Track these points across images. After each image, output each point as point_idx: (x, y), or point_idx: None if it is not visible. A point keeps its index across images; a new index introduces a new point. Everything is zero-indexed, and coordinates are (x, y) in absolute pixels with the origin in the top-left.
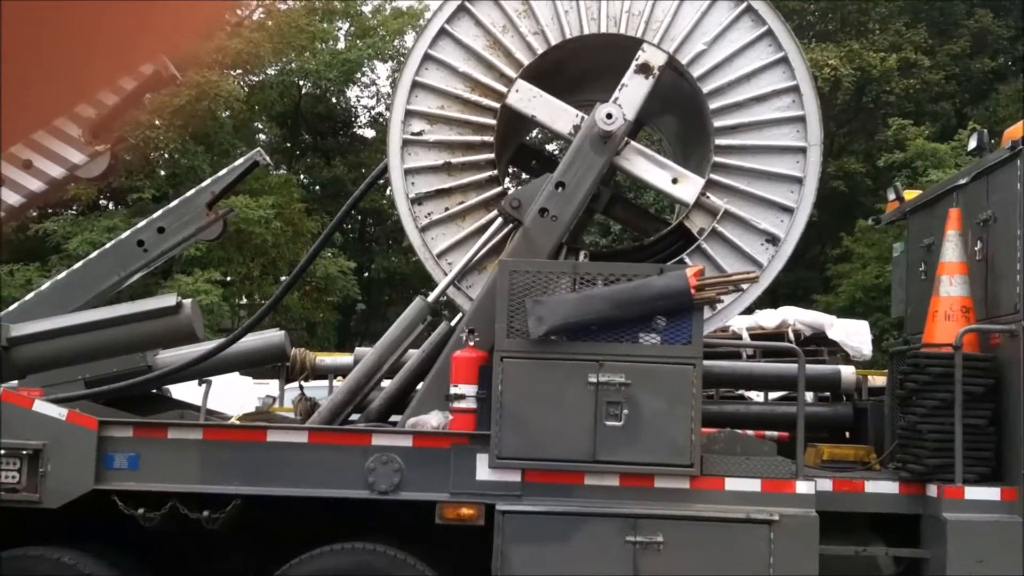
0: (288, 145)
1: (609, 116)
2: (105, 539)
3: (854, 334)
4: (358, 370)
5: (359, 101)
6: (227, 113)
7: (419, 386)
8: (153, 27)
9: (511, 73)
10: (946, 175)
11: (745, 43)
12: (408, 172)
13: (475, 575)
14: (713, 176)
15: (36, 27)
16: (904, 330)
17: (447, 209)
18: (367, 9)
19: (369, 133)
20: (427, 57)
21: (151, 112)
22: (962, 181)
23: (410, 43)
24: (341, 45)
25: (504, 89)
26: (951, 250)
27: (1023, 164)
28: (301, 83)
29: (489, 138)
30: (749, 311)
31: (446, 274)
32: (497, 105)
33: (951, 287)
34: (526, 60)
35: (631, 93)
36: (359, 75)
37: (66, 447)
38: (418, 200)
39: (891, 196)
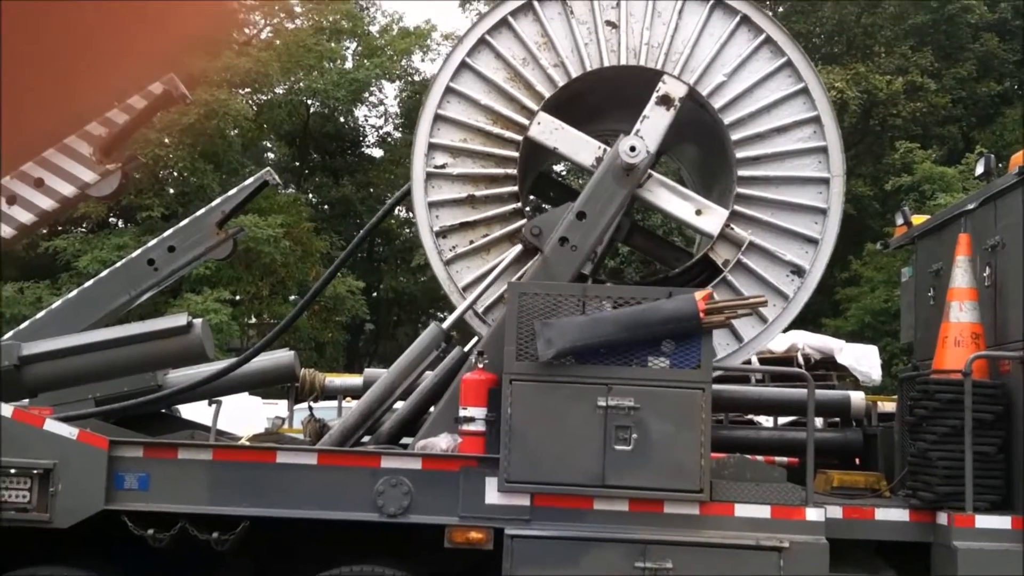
0: (297, 164)
1: (632, 149)
2: (113, 559)
3: (863, 359)
4: (370, 394)
5: (367, 120)
6: (235, 132)
7: (431, 409)
8: (157, 43)
9: (532, 105)
10: (954, 199)
11: (765, 74)
12: (432, 205)
13: None
14: (737, 207)
15: (40, 44)
16: (913, 355)
17: (472, 242)
18: (374, 29)
19: (377, 153)
20: (449, 90)
21: (160, 130)
22: (970, 206)
23: (418, 63)
24: (349, 64)
25: (526, 121)
26: (960, 276)
27: None
28: (309, 102)
29: (512, 171)
30: None
31: (472, 308)
32: (520, 138)
33: (961, 313)
34: (547, 92)
35: (652, 125)
36: (367, 94)
37: (76, 467)
38: (442, 233)
39: (899, 220)
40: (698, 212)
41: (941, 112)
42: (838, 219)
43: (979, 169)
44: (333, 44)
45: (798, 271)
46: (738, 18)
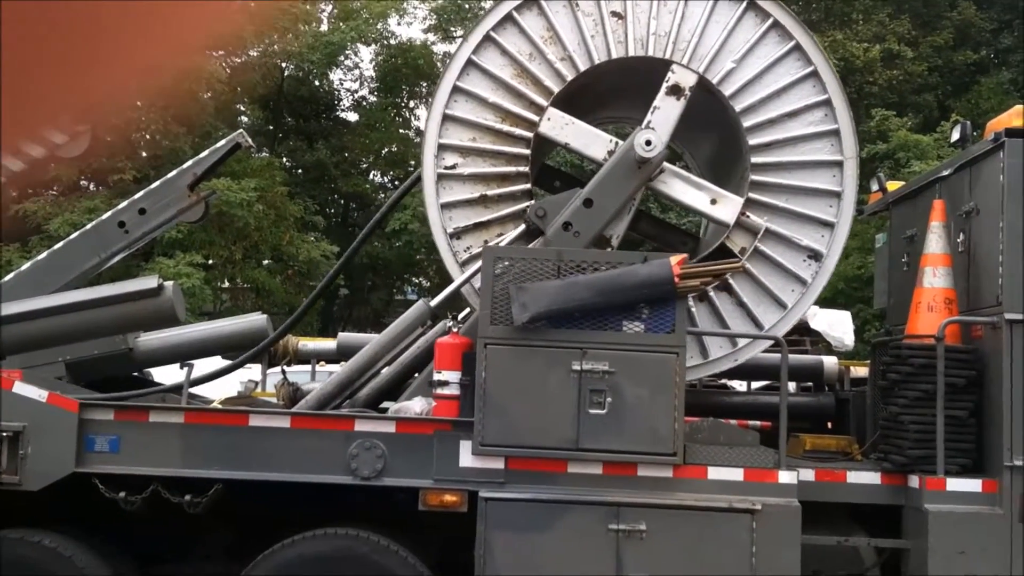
0: (270, 128)
1: (648, 143)
2: (87, 524)
3: (836, 324)
4: (351, 364)
5: (342, 84)
6: (209, 95)
7: (415, 376)
8: (156, 35)
9: (541, 101)
10: (929, 167)
11: (774, 59)
12: (444, 207)
13: (458, 561)
14: (751, 195)
15: (43, 36)
16: (886, 321)
17: (486, 242)
18: None
19: (352, 117)
20: (456, 89)
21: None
22: (945, 173)
23: (394, 27)
24: (324, 27)
25: (535, 117)
26: (935, 241)
27: (1006, 156)
28: (284, 65)
29: (524, 168)
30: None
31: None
32: (530, 134)
33: (934, 279)
34: (556, 87)
35: (664, 115)
36: (342, 58)
37: (47, 429)
38: (456, 235)
39: (874, 187)
40: (713, 201)
41: (917, 80)
42: (853, 201)
43: (955, 136)
44: (308, 7)
45: (815, 255)
46: (744, 3)
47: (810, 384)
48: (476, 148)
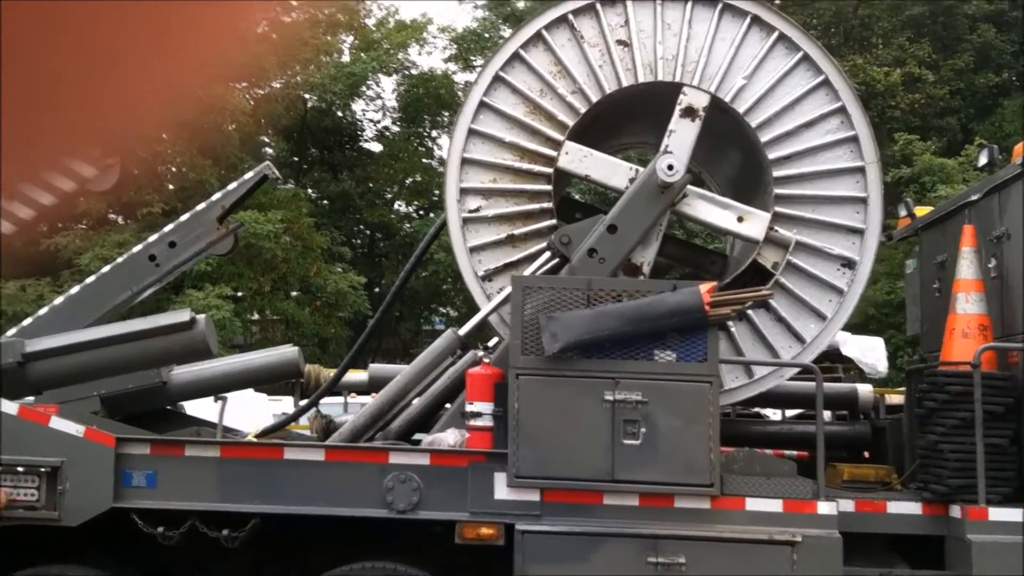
0: (295, 159)
1: (670, 167)
2: (122, 557)
3: (869, 351)
4: (382, 396)
5: (364, 114)
6: (233, 126)
7: (447, 407)
8: (167, 59)
9: (557, 136)
10: (954, 190)
11: (784, 71)
12: (473, 250)
13: None
14: (777, 208)
15: (57, 59)
16: (920, 347)
17: None
18: (371, 22)
19: (376, 147)
20: (472, 132)
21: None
22: (974, 197)
23: (414, 56)
24: (346, 58)
25: (552, 153)
26: (966, 267)
27: None
28: (306, 96)
29: (547, 204)
30: None
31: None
32: (549, 170)
33: (967, 304)
34: (570, 121)
35: (680, 138)
36: (364, 88)
37: (84, 464)
38: (488, 277)
39: (902, 212)
40: (740, 219)
41: (939, 103)
42: (880, 205)
43: (982, 160)
44: (330, 38)
45: (848, 263)
46: (748, 19)
47: (845, 412)
48: (497, 189)
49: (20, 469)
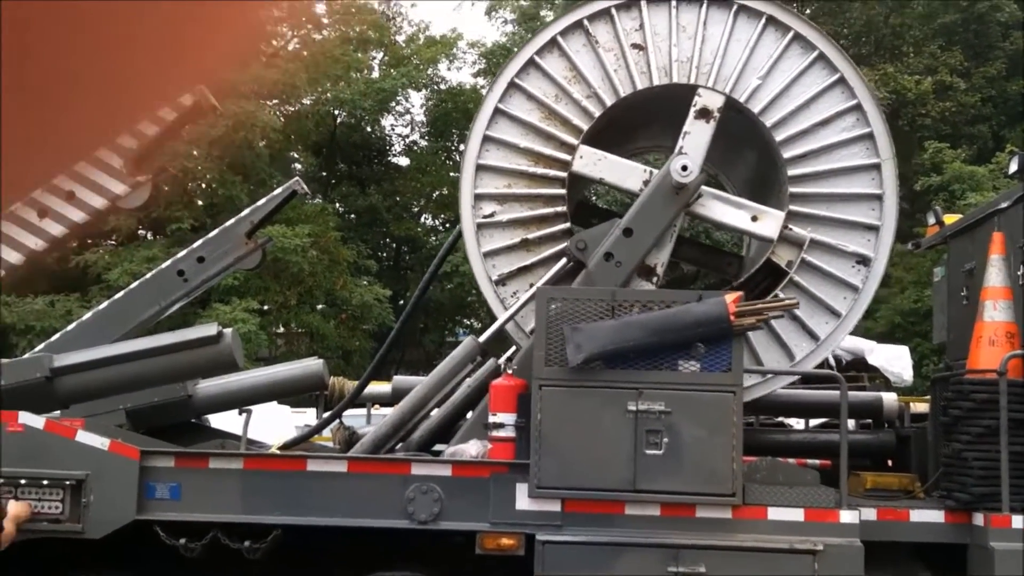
0: (323, 174)
1: (684, 168)
2: (145, 569)
3: (895, 359)
4: (403, 404)
5: (393, 130)
6: (263, 143)
7: (467, 417)
8: (185, 57)
9: (572, 140)
10: (984, 198)
11: (799, 70)
12: (487, 255)
13: None
14: (792, 207)
15: (72, 58)
16: (946, 356)
17: (532, 285)
18: (401, 39)
19: (404, 161)
20: (486, 139)
21: (189, 143)
22: (1003, 205)
23: (444, 72)
24: (375, 74)
25: (567, 157)
26: (995, 275)
27: None
28: (336, 112)
29: (561, 208)
30: None
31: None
32: (564, 174)
33: (995, 312)
34: (584, 125)
35: (695, 140)
36: (393, 104)
37: (108, 477)
38: (501, 281)
39: (931, 220)
40: (754, 218)
41: (971, 111)
42: (895, 202)
43: (1012, 168)
44: (360, 54)
45: (863, 260)
46: (763, 20)
47: (869, 421)
48: (512, 194)
49: (45, 482)
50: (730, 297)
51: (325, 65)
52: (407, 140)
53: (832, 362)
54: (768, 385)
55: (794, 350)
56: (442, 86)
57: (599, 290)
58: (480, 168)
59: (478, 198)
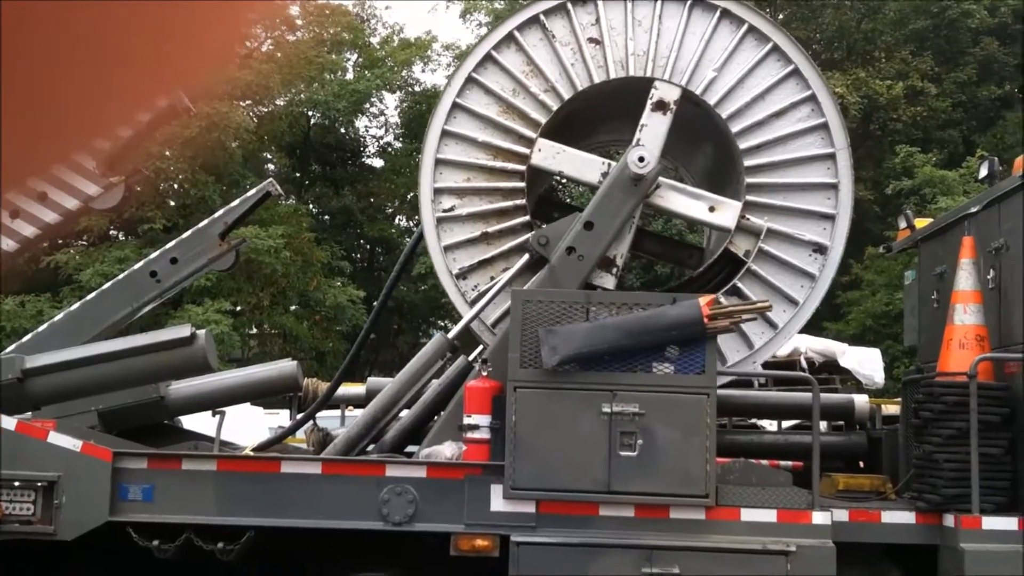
0: (297, 175)
1: (641, 159)
2: (118, 571)
3: (866, 362)
4: (375, 403)
5: (368, 131)
6: (236, 144)
7: (436, 417)
8: (165, 63)
9: (530, 134)
10: (955, 202)
11: (754, 62)
12: (447, 249)
13: None
14: (749, 197)
15: (51, 64)
16: (917, 358)
17: (492, 278)
18: (375, 40)
19: (378, 163)
20: (445, 133)
21: (162, 143)
22: (974, 209)
23: (418, 74)
24: (350, 76)
25: (526, 151)
26: (965, 278)
27: None
28: (310, 113)
29: (521, 201)
30: None
31: (480, 319)
32: (523, 168)
33: (965, 315)
34: (542, 119)
35: (652, 132)
36: (367, 105)
37: (81, 478)
38: (462, 275)
39: (902, 224)
40: (711, 209)
41: (941, 116)
42: (850, 191)
43: (982, 172)
44: (334, 56)
45: (820, 249)
46: (718, 13)
47: (841, 423)
48: (471, 188)
49: (16, 484)
50: (704, 300)
51: (299, 66)
52: (381, 142)
53: (804, 364)
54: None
55: (753, 339)
56: (416, 88)
57: (574, 292)
58: (439, 162)
59: (437, 192)
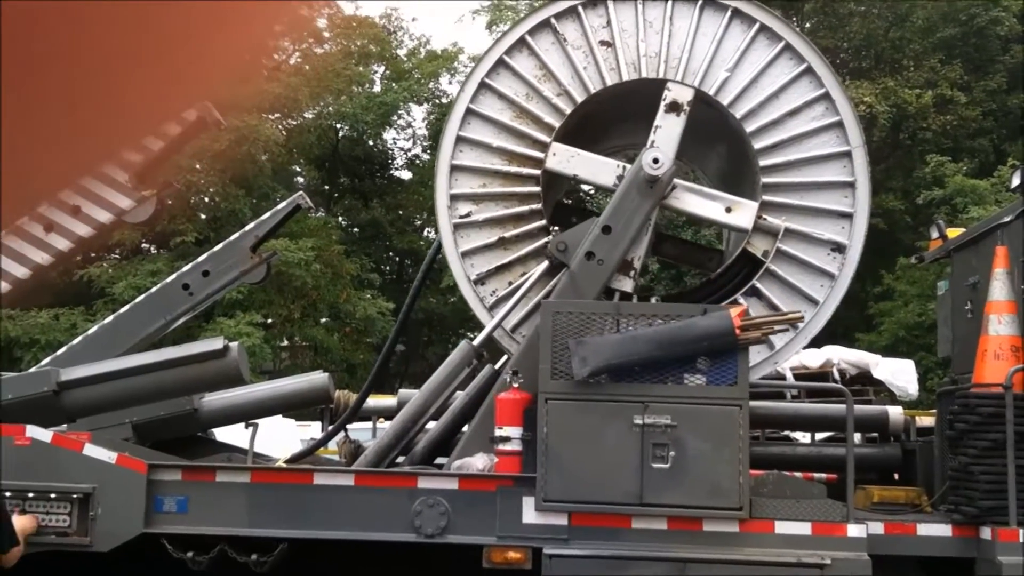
0: (326, 187)
1: (656, 161)
2: None
3: (900, 373)
4: (404, 413)
5: (395, 143)
6: (266, 157)
7: (465, 428)
8: (191, 73)
9: (544, 138)
10: (987, 212)
11: (767, 61)
12: (465, 255)
13: None
14: (765, 197)
15: (77, 74)
16: (951, 369)
17: (511, 283)
18: (402, 52)
19: (406, 175)
20: (460, 139)
21: (192, 156)
22: (1007, 219)
23: (445, 85)
24: (377, 88)
25: (540, 155)
26: (999, 288)
27: None
28: (338, 126)
29: (537, 205)
30: None
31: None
32: (537, 172)
33: (1000, 326)
34: (556, 123)
35: (666, 133)
36: (395, 117)
37: (116, 490)
38: (480, 280)
39: (934, 234)
40: (728, 209)
41: (972, 125)
42: (868, 188)
43: (1014, 181)
44: (361, 68)
45: (838, 248)
46: (729, 12)
47: (875, 435)
48: (487, 193)
49: (52, 496)
50: (735, 311)
51: (327, 79)
52: (409, 154)
53: (837, 376)
54: (752, 372)
55: (774, 339)
56: (444, 100)
57: (604, 304)
58: (454, 168)
59: (453, 198)
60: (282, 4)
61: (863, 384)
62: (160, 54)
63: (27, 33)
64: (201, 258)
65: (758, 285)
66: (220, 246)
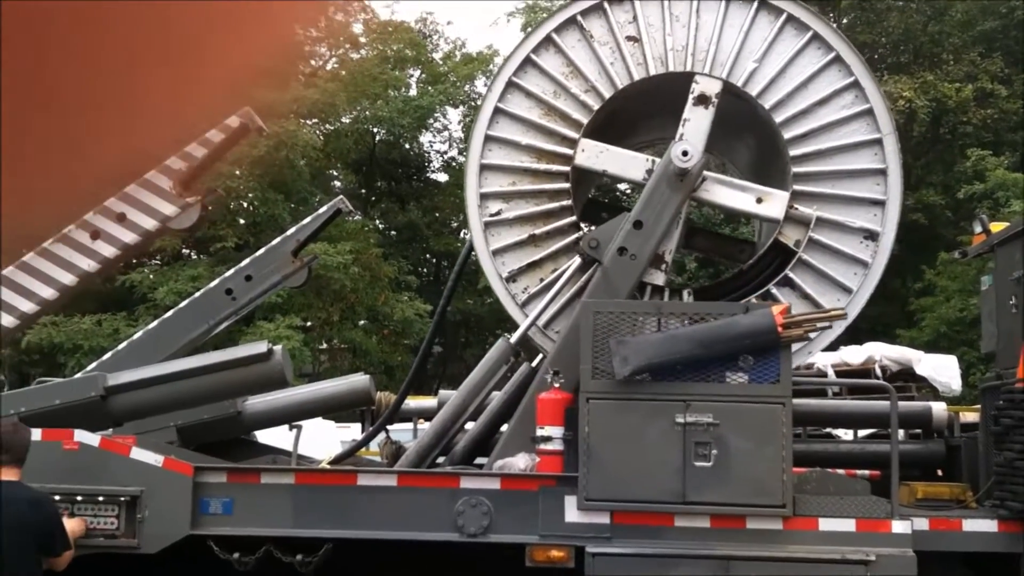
0: (363, 191)
1: (685, 153)
2: None
3: (942, 369)
4: (443, 413)
5: (432, 146)
6: (304, 161)
7: (504, 428)
8: (213, 74)
9: (573, 135)
10: None
11: (795, 51)
12: (496, 253)
13: None
14: (796, 187)
15: (94, 72)
16: (995, 364)
17: (542, 280)
18: (438, 56)
19: (442, 177)
20: (488, 138)
21: (231, 162)
22: None
23: (480, 88)
24: (413, 92)
25: (569, 151)
26: None
27: None
28: (375, 130)
29: (567, 202)
30: (833, 347)
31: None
32: (567, 168)
33: None
34: (584, 119)
35: (695, 126)
36: (431, 121)
37: (163, 493)
38: (512, 278)
39: (977, 229)
40: (759, 200)
41: (1013, 118)
42: (899, 176)
43: None
44: (397, 72)
45: (871, 235)
46: (755, 4)
47: (919, 431)
48: (517, 191)
49: (100, 499)
50: (777, 308)
51: (363, 84)
52: (445, 156)
53: (879, 372)
54: (808, 349)
55: None
56: (479, 102)
57: (645, 303)
58: (484, 167)
59: (483, 197)
60: (301, 4)
61: (905, 380)
62: (180, 54)
63: (43, 34)
64: (243, 263)
65: (791, 275)
66: (262, 251)
